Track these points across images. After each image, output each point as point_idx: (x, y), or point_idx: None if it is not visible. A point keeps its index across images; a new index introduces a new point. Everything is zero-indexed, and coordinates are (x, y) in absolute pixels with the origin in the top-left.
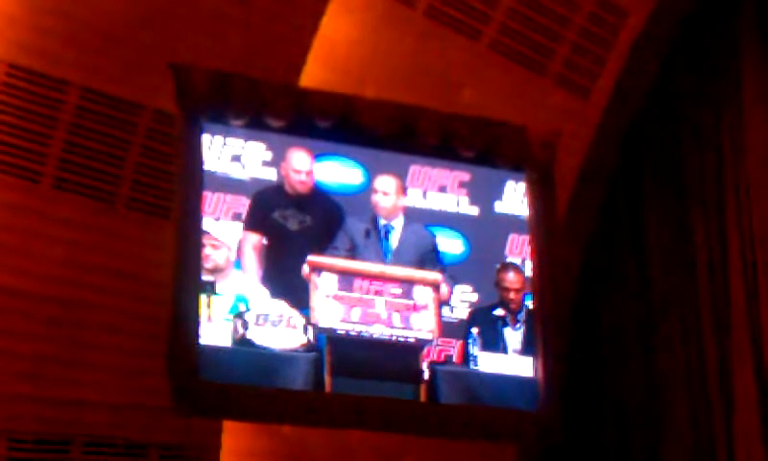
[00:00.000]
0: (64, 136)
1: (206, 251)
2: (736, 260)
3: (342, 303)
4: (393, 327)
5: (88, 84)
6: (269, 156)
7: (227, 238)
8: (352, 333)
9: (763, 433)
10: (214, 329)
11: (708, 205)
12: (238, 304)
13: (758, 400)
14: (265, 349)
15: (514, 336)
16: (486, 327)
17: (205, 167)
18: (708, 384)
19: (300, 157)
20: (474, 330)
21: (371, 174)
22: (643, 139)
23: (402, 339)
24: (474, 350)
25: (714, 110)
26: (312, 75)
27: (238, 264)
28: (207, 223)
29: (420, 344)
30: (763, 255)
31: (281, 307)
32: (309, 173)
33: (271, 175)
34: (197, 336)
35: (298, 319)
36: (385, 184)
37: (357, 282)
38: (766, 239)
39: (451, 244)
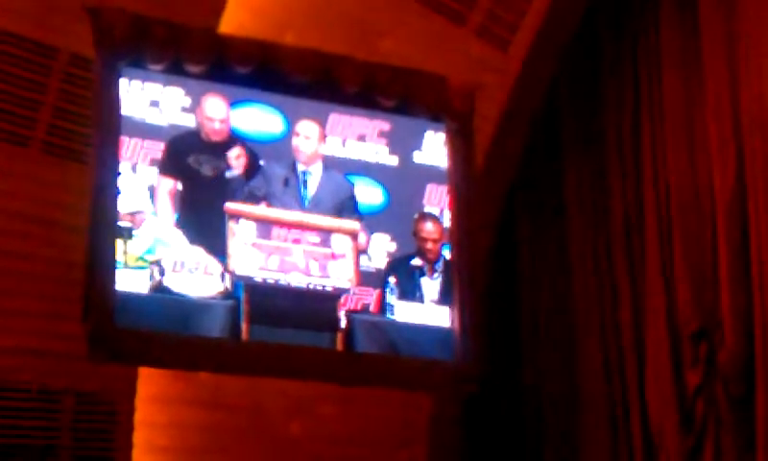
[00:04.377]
0: None
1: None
2: (651, 209)
3: (260, 250)
4: (310, 276)
5: (3, 25)
6: (187, 101)
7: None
8: (270, 281)
9: (675, 382)
10: (131, 276)
11: (625, 158)
12: (155, 250)
13: (669, 347)
14: (182, 296)
15: (431, 286)
16: (403, 276)
17: (123, 112)
18: (622, 332)
19: (214, 103)
20: (392, 280)
21: (291, 121)
22: (562, 93)
23: (320, 288)
24: (391, 299)
25: (633, 66)
26: (232, 20)
27: (154, 210)
28: (124, 168)
29: (338, 293)
30: (677, 206)
31: (198, 254)
32: (224, 120)
33: (189, 121)
34: (113, 282)
35: (215, 266)
36: (307, 129)
37: (275, 230)
38: (680, 188)
39: (370, 193)
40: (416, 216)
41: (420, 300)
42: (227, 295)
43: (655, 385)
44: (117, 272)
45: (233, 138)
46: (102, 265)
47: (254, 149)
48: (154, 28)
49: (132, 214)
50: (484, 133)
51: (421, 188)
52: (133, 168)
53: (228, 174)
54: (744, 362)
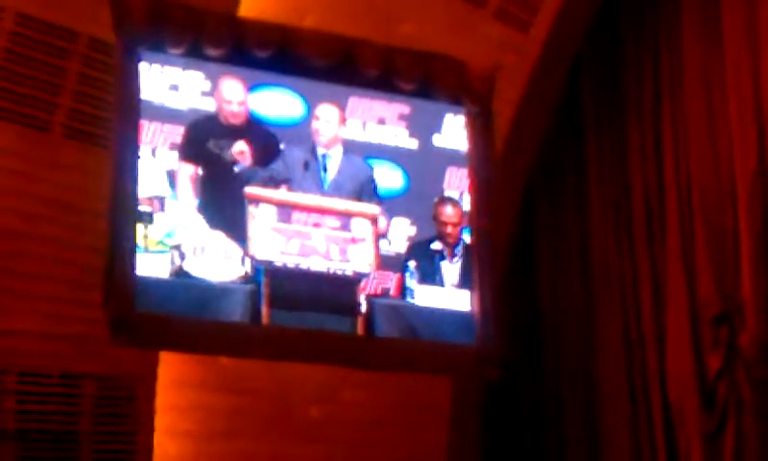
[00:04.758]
0: (0, 63)
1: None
2: (672, 193)
3: (280, 234)
4: (330, 260)
5: (24, 9)
6: (207, 85)
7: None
8: (290, 266)
9: (696, 365)
10: (151, 260)
11: (646, 142)
12: (175, 234)
13: (690, 331)
14: (202, 280)
15: (451, 270)
16: (423, 260)
17: (143, 96)
18: (643, 316)
19: (231, 85)
20: (412, 264)
21: (310, 105)
22: (583, 73)
23: (340, 272)
24: (411, 283)
25: (653, 49)
26: (252, 4)
27: (174, 194)
28: (144, 152)
29: (358, 277)
30: (699, 189)
31: (218, 239)
32: (242, 103)
33: (209, 105)
34: (134, 267)
35: (235, 250)
36: (327, 112)
37: (295, 214)
38: (701, 172)
39: (390, 177)
40: (435, 200)
41: (441, 284)
42: (247, 279)
43: (676, 369)
44: (138, 256)
45: (252, 123)
46: (122, 250)
47: (274, 133)
48: (173, 11)
49: (152, 199)
50: (504, 115)
51: (441, 172)
52: (153, 152)
53: (236, 169)
54: (766, 345)
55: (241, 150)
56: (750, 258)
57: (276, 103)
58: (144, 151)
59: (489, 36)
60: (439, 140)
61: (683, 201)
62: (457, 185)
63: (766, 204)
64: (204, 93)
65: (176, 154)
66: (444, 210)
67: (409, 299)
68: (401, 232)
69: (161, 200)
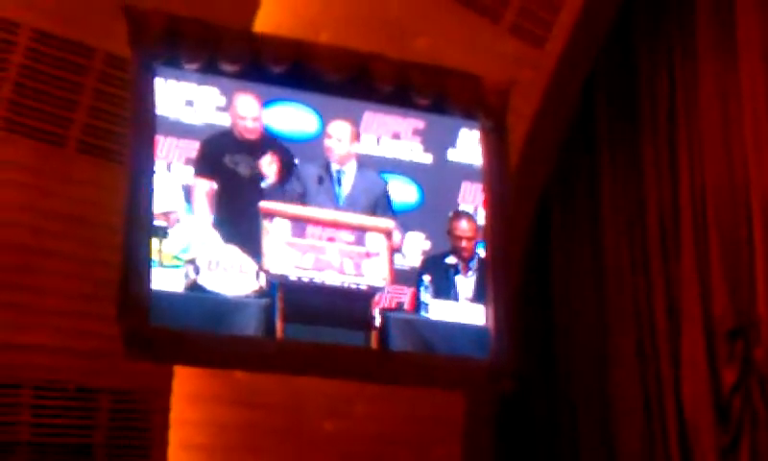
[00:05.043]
0: (15, 78)
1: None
2: (687, 207)
3: (294, 249)
4: (345, 274)
5: (40, 25)
6: (222, 101)
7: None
8: (304, 280)
9: (711, 380)
10: (166, 275)
11: (661, 156)
12: (189, 249)
13: (705, 345)
14: (217, 294)
15: (465, 284)
16: (438, 274)
17: (158, 111)
18: (657, 331)
19: (245, 101)
20: (426, 278)
21: (325, 120)
22: (598, 88)
23: (354, 286)
24: (426, 297)
25: (668, 63)
26: (267, 20)
27: (190, 209)
28: (159, 167)
29: (372, 291)
30: (713, 203)
31: (233, 253)
32: (256, 118)
33: (224, 120)
34: (149, 281)
35: (250, 265)
36: (339, 130)
37: (310, 229)
38: (716, 186)
39: (405, 191)
40: (450, 214)
41: (455, 298)
42: (261, 293)
43: (690, 383)
44: (152, 271)
45: (267, 138)
46: (137, 264)
47: (289, 148)
48: (189, 27)
49: (167, 214)
50: (519, 130)
51: (456, 186)
52: (168, 167)
53: (263, 184)
54: None
55: (270, 161)
56: (765, 273)
57: (291, 118)
58: (159, 166)
59: (503, 51)
60: (453, 155)
61: (697, 215)
62: (471, 200)
63: None
64: (219, 108)
65: (191, 169)
66: (458, 225)
67: (423, 313)
68: (416, 247)
69: (176, 215)
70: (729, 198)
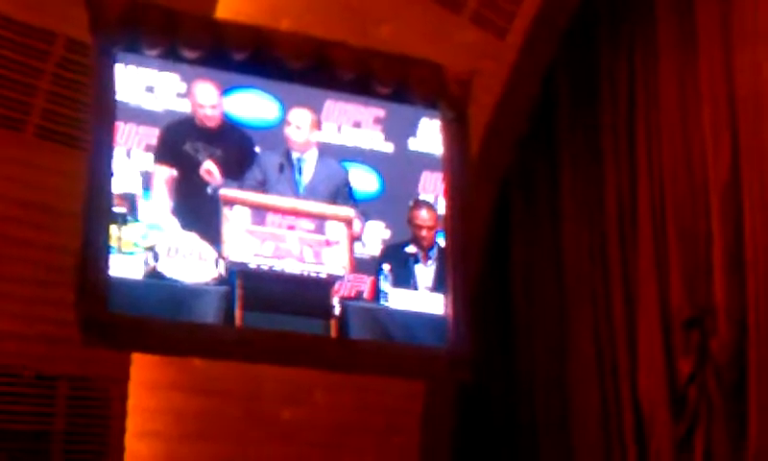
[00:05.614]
0: None
1: None
2: (645, 197)
3: (254, 237)
4: (305, 262)
5: (1, 10)
6: (183, 87)
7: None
8: (264, 268)
9: (667, 370)
10: (124, 261)
11: (620, 147)
12: (149, 236)
13: (662, 335)
14: (176, 281)
15: (425, 273)
16: (397, 263)
17: (118, 97)
18: (614, 320)
19: (203, 89)
20: (386, 267)
21: (286, 107)
22: (559, 79)
23: (314, 274)
24: (385, 286)
25: (629, 55)
26: (228, 6)
27: (148, 195)
28: (119, 153)
29: (332, 279)
30: (672, 193)
31: (192, 240)
32: (215, 106)
33: (185, 107)
34: (107, 268)
35: (209, 252)
36: (298, 118)
37: (270, 217)
38: (674, 177)
39: (365, 180)
40: (410, 203)
41: (415, 287)
42: (221, 281)
43: (647, 373)
44: (111, 257)
45: (227, 125)
46: (96, 250)
47: (249, 135)
48: (149, 13)
49: (126, 199)
50: (479, 120)
51: (416, 176)
52: (128, 153)
53: (209, 190)
54: (736, 350)
55: (208, 169)
56: (722, 263)
57: (252, 105)
58: (119, 152)
59: (465, 41)
60: (414, 144)
61: (655, 206)
62: (432, 189)
63: (739, 209)
64: (179, 95)
65: (151, 156)
66: (418, 214)
67: (383, 302)
68: (376, 235)
69: (134, 200)
70: (687, 188)
